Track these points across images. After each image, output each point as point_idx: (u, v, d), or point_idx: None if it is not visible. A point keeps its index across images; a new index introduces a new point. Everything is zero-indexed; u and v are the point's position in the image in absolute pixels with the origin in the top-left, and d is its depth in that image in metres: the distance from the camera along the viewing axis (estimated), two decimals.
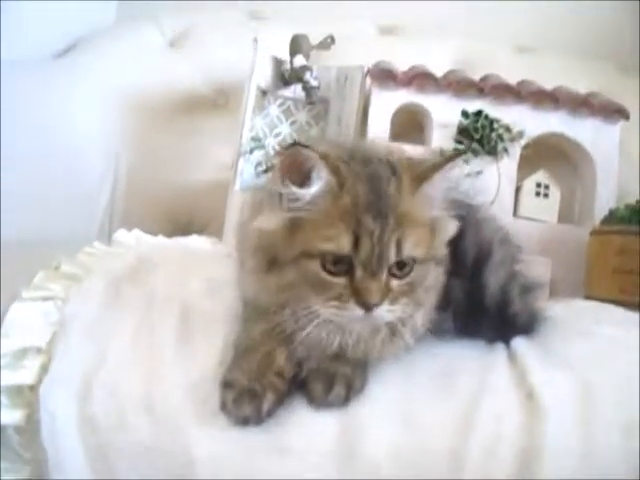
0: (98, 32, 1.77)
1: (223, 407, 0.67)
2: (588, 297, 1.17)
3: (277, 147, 1.38)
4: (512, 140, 1.31)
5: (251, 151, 1.37)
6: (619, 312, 0.99)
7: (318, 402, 0.69)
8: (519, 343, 0.80)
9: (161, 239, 1.21)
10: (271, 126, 1.40)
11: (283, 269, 0.66)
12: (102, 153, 1.55)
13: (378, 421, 0.68)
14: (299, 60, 1.40)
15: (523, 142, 1.32)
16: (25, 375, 0.74)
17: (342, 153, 0.69)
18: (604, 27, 1.78)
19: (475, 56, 1.65)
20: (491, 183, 1.29)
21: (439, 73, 1.35)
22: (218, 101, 1.68)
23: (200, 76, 1.68)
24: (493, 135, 1.30)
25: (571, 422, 0.67)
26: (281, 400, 0.68)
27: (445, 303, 0.75)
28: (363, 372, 0.71)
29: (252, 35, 1.44)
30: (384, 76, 1.33)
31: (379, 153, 0.72)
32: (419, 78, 1.32)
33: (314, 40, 1.48)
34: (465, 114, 1.31)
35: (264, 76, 1.41)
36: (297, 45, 1.44)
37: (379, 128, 1.31)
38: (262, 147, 1.38)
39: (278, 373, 0.69)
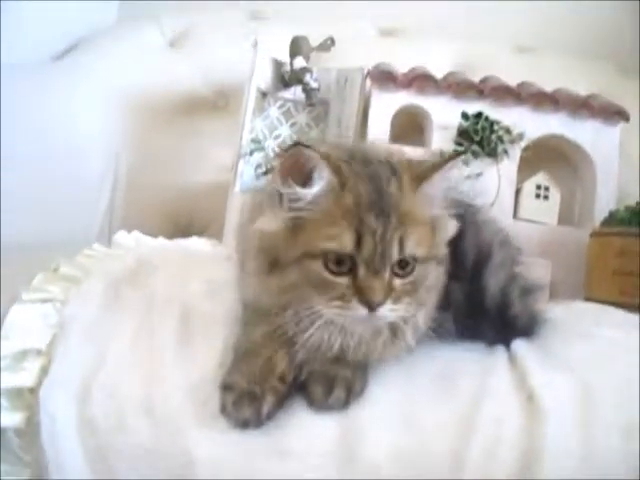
0: (99, 32, 1.77)
1: (223, 410, 0.67)
2: (588, 299, 1.17)
3: (277, 149, 1.38)
4: (512, 142, 1.31)
5: (251, 153, 1.37)
6: (619, 314, 0.99)
7: (318, 405, 0.69)
8: (519, 345, 0.80)
9: (161, 241, 1.21)
10: (271, 128, 1.40)
11: (285, 270, 0.66)
12: (102, 154, 1.55)
13: (378, 423, 0.68)
14: (299, 62, 1.40)
15: (523, 144, 1.32)
16: (25, 377, 0.74)
17: (342, 154, 0.69)
18: (604, 28, 1.78)
19: (475, 58, 1.65)
20: (491, 185, 1.29)
21: (439, 75, 1.35)
22: (218, 102, 1.68)
23: (200, 77, 1.68)
24: (493, 137, 1.30)
25: (571, 424, 0.67)
26: (281, 403, 0.68)
27: (445, 304, 0.75)
28: (363, 375, 0.71)
29: (252, 36, 1.43)
30: (384, 78, 1.33)
31: (379, 154, 0.72)
32: (419, 80, 1.32)
33: (314, 42, 1.48)
34: (465, 116, 1.31)
35: (264, 78, 1.42)
36: (297, 47, 1.44)
37: (379, 130, 1.31)
38: (262, 149, 1.38)
39: (278, 376, 0.68)
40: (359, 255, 0.64)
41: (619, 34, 1.76)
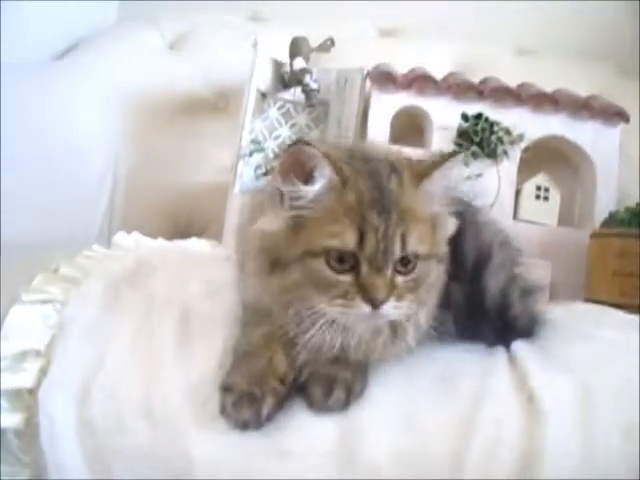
0: (99, 32, 1.77)
1: (222, 411, 0.67)
2: (588, 300, 1.17)
3: (276, 150, 1.38)
4: (512, 143, 1.31)
5: (251, 154, 1.37)
6: (619, 315, 0.99)
7: (318, 406, 0.68)
8: (519, 346, 0.80)
9: (160, 242, 1.21)
10: (271, 129, 1.40)
11: (287, 269, 0.66)
12: (102, 155, 1.55)
13: (378, 424, 0.68)
14: (299, 63, 1.40)
15: (523, 145, 1.32)
16: (24, 378, 0.74)
17: (342, 154, 0.69)
18: (604, 29, 1.78)
19: (475, 58, 1.65)
20: (491, 186, 1.29)
21: (439, 76, 1.35)
22: (218, 104, 1.68)
23: (200, 78, 1.68)
24: (493, 138, 1.30)
25: (571, 425, 0.67)
26: (281, 404, 0.68)
27: (446, 305, 0.75)
28: (363, 376, 0.71)
29: (252, 37, 1.43)
30: (384, 78, 1.33)
31: (378, 153, 0.72)
32: (419, 81, 1.32)
33: (314, 42, 1.48)
34: (465, 117, 1.31)
35: (264, 79, 1.41)
36: (297, 48, 1.44)
37: (379, 131, 1.31)
38: (262, 150, 1.38)
39: (278, 377, 0.68)
40: (361, 252, 0.64)
41: (619, 35, 1.76)
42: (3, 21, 1.44)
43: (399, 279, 0.66)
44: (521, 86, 1.37)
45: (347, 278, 0.64)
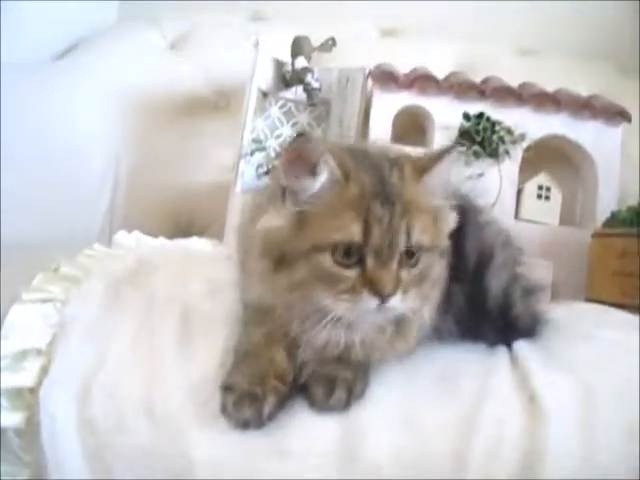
0: (99, 32, 1.77)
1: (223, 410, 0.67)
2: (589, 300, 1.17)
3: (278, 149, 1.38)
4: (514, 142, 1.31)
5: (252, 153, 1.37)
6: (620, 315, 0.99)
7: (319, 406, 0.68)
8: (521, 346, 0.80)
9: (161, 241, 1.21)
10: (272, 128, 1.40)
11: (292, 266, 0.66)
12: (103, 154, 1.55)
13: (379, 423, 0.68)
14: (300, 62, 1.40)
15: (525, 144, 1.32)
16: (25, 377, 0.74)
17: (343, 151, 0.69)
18: (605, 29, 1.78)
19: (476, 58, 1.65)
20: (492, 185, 1.29)
21: (441, 75, 1.35)
22: (219, 103, 1.68)
23: (201, 78, 1.68)
24: (494, 137, 1.30)
25: (573, 425, 0.67)
26: (282, 404, 0.68)
27: (448, 305, 0.75)
28: (364, 376, 0.71)
29: (253, 37, 1.43)
30: (385, 78, 1.33)
31: (379, 150, 0.73)
32: (421, 80, 1.32)
33: (315, 42, 1.48)
34: (467, 116, 1.31)
35: (265, 78, 1.42)
36: (298, 47, 1.44)
37: (381, 130, 1.31)
38: (263, 149, 1.38)
39: (279, 376, 0.68)
40: (367, 245, 0.64)
41: (619, 35, 1.76)
42: (3, 21, 1.44)
43: (404, 273, 0.66)
44: (523, 86, 1.37)
45: (353, 272, 0.64)
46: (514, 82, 1.36)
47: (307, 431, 0.68)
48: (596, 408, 0.69)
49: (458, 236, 0.75)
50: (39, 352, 0.76)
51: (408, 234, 0.65)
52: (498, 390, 0.71)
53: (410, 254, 0.66)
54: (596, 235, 1.22)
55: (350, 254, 0.64)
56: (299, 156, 0.65)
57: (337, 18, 1.69)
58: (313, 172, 0.65)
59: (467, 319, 0.79)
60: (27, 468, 0.73)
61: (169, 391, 0.72)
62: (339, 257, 0.64)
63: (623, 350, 0.80)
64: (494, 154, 1.30)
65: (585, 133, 1.34)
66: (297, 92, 1.42)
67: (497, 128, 1.30)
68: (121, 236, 1.13)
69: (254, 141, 1.38)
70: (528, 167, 1.33)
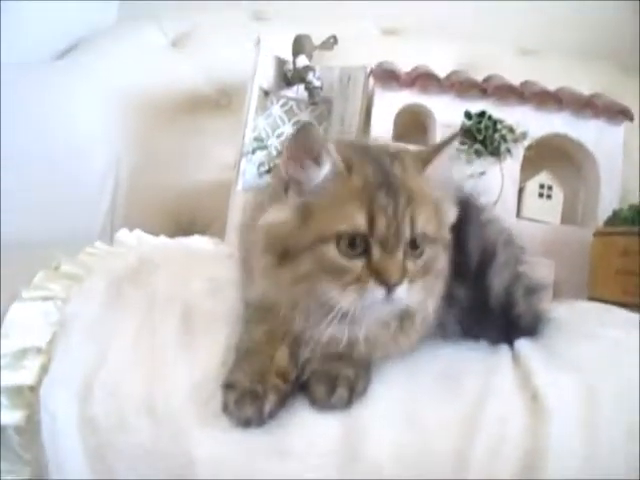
0: (99, 32, 1.77)
1: (225, 408, 0.67)
2: (591, 298, 1.16)
3: (279, 147, 1.37)
4: (515, 141, 1.31)
5: (253, 151, 1.37)
6: (622, 314, 0.99)
7: (320, 404, 0.68)
8: (523, 345, 0.80)
9: (163, 239, 1.21)
10: (274, 126, 1.40)
11: (297, 259, 0.65)
12: (104, 153, 1.55)
13: (381, 422, 0.68)
14: (302, 60, 1.40)
15: (526, 143, 1.31)
16: (25, 375, 0.73)
17: (345, 146, 0.70)
18: (605, 28, 1.78)
19: (477, 58, 1.65)
20: (494, 184, 1.28)
21: (442, 74, 1.35)
22: (220, 101, 1.68)
23: (202, 76, 1.68)
24: (496, 136, 1.29)
25: (575, 424, 0.67)
26: (283, 402, 0.68)
27: (450, 303, 0.75)
28: (366, 374, 0.71)
29: (255, 35, 1.43)
30: (387, 76, 1.33)
31: (380, 146, 0.75)
32: (422, 79, 1.32)
33: (317, 40, 1.48)
34: (468, 115, 1.31)
35: (267, 76, 1.41)
36: (300, 45, 1.44)
37: (382, 128, 1.31)
38: (264, 147, 1.38)
39: (280, 374, 0.68)
40: (372, 234, 0.64)
41: (620, 34, 1.76)
42: (3, 21, 1.44)
43: (409, 263, 0.66)
44: (524, 84, 1.36)
45: (359, 263, 0.64)
46: (516, 81, 1.36)
47: (308, 430, 0.68)
48: (598, 407, 0.68)
49: (460, 234, 0.75)
50: (39, 350, 0.76)
51: (413, 223, 0.65)
52: (500, 389, 0.71)
53: (414, 245, 0.66)
54: (598, 234, 1.22)
55: (355, 244, 0.64)
56: (304, 145, 0.65)
57: (338, 17, 1.68)
58: (317, 161, 0.65)
59: (469, 318, 0.79)
60: (27, 466, 0.73)
61: (170, 390, 0.72)
62: (344, 248, 0.64)
63: (625, 349, 0.79)
64: (496, 153, 1.29)
65: (587, 132, 1.33)
66: (298, 90, 1.42)
67: (499, 127, 1.30)
68: (122, 234, 1.13)
69: (255, 140, 1.38)
70: (530, 166, 1.33)
